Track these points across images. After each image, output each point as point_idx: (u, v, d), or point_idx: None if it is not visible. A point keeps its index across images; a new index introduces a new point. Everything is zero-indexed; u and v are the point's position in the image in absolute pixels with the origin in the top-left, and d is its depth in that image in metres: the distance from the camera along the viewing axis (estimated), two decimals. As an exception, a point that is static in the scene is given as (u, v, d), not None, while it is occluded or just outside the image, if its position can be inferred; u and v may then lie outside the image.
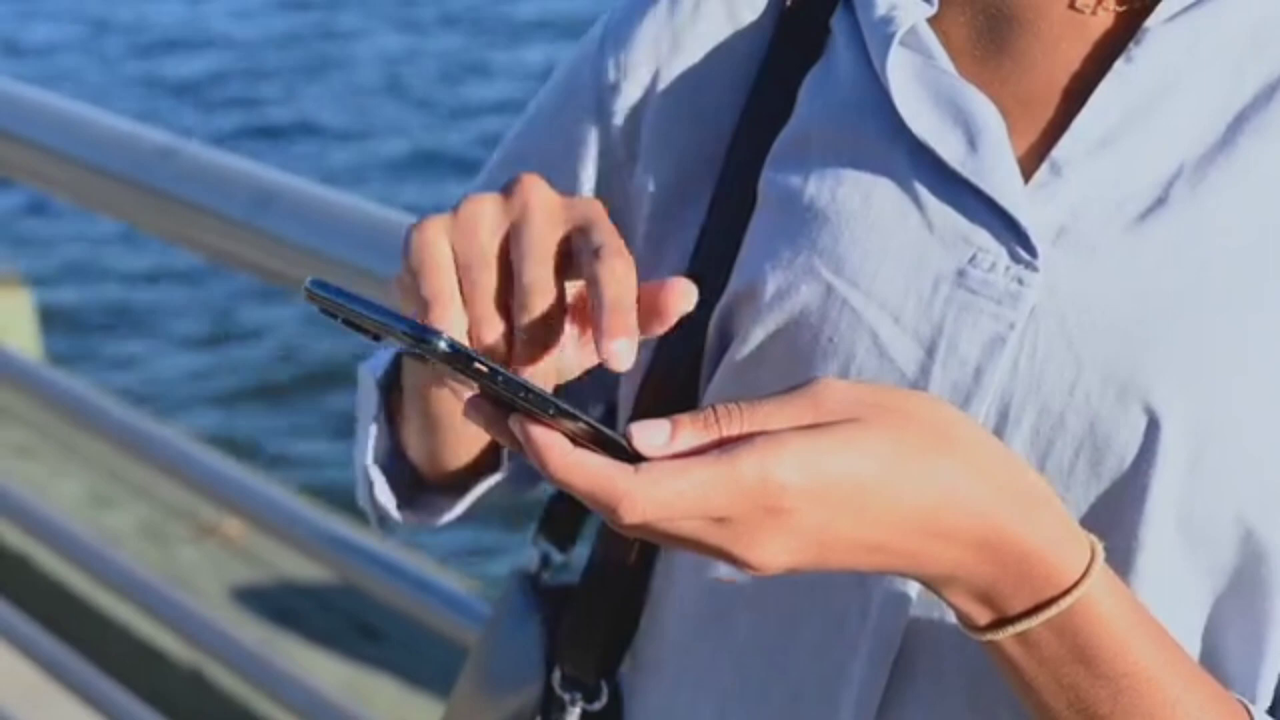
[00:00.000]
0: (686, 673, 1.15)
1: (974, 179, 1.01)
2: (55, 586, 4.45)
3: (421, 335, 0.84)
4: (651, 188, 1.16)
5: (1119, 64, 1.00)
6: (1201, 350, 0.97)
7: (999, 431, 1.00)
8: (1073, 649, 0.93)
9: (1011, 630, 0.93)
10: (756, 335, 1.06)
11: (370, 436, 1.23)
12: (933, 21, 1.06)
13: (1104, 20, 1.03)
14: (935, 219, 1.02)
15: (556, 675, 1.23)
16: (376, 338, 0.89)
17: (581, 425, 0.86)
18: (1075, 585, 0.92)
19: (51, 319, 7.89)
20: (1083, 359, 0.98)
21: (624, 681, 1.22)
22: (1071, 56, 1.03)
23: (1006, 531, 0.90)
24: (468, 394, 0.89)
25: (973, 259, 1.00)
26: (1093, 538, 0.94)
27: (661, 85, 1.15)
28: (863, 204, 1.04)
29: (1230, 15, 1.01)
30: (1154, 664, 0.95)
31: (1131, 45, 1.00)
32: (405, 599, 2.24)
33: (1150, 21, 1.01)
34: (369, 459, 1.23)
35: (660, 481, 0.84)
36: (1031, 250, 0.99)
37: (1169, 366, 0.96)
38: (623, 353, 0.88)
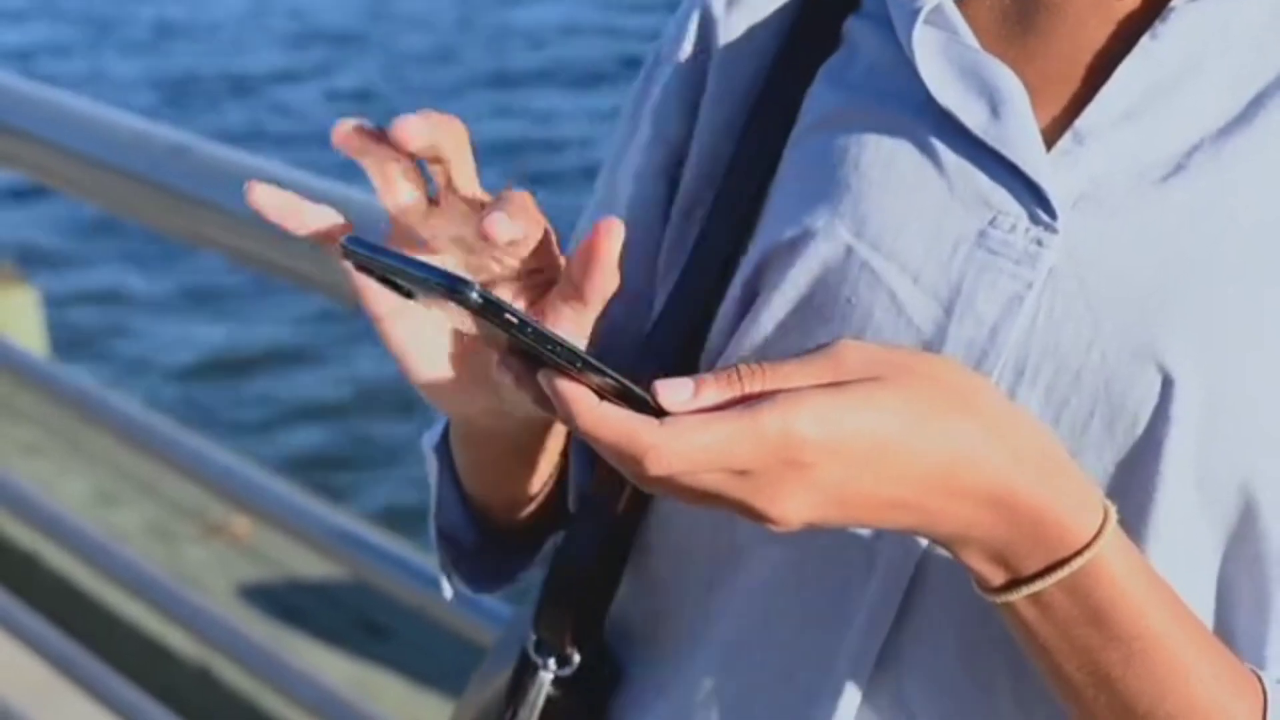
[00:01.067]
0: (683, 634, 1.16)
1: (996, 144, 1.02)
2: (63, 583, 4.45)
3: (454, 286, 0.86)
4: (693, 158, 1.18)
5: (1144, 40, 1.01)
6: (1215, 319, 0.97)
7: (1014, 389, 1.00)
8: (1085, 610, 0.95)
9: (1025, 591, 0.94)
10: (776, 297, 1.07)
11: (433, 498, 1.25)
12: (959, 3, 1.08)
13: (1129, 2, 1.04)
14: (957, 182, 1.03)
15: (531, 639, 1.23)
16: (410, 295, 0.91)
17: (608, 379, 0.88)
18: (1087, 546, 0.93)
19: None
20: (1100, 319, 0.99)
21: (615, 648, 1.22)
22: (1097, 35, 1.04)
23: (1021, 493, 0.92)
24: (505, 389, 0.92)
25: (993, 221, 1.02)
26: (1107, 501, 0.95)
27: (713, 60, 1.17)
28: (884, 169, 1.05)
29: None
30: (1166, 628, 0.96)
31: (1157, 23, 1.02)
32: (417, 596, 2.24)
33: (1176, 1, 1.02)
34: (433, 524, 1.25)
35: (684, 435, 0.87)
36: (1051, 212, 1.00)
37: (1184, 330, 0.97)
38: (500, 222, 0.92)
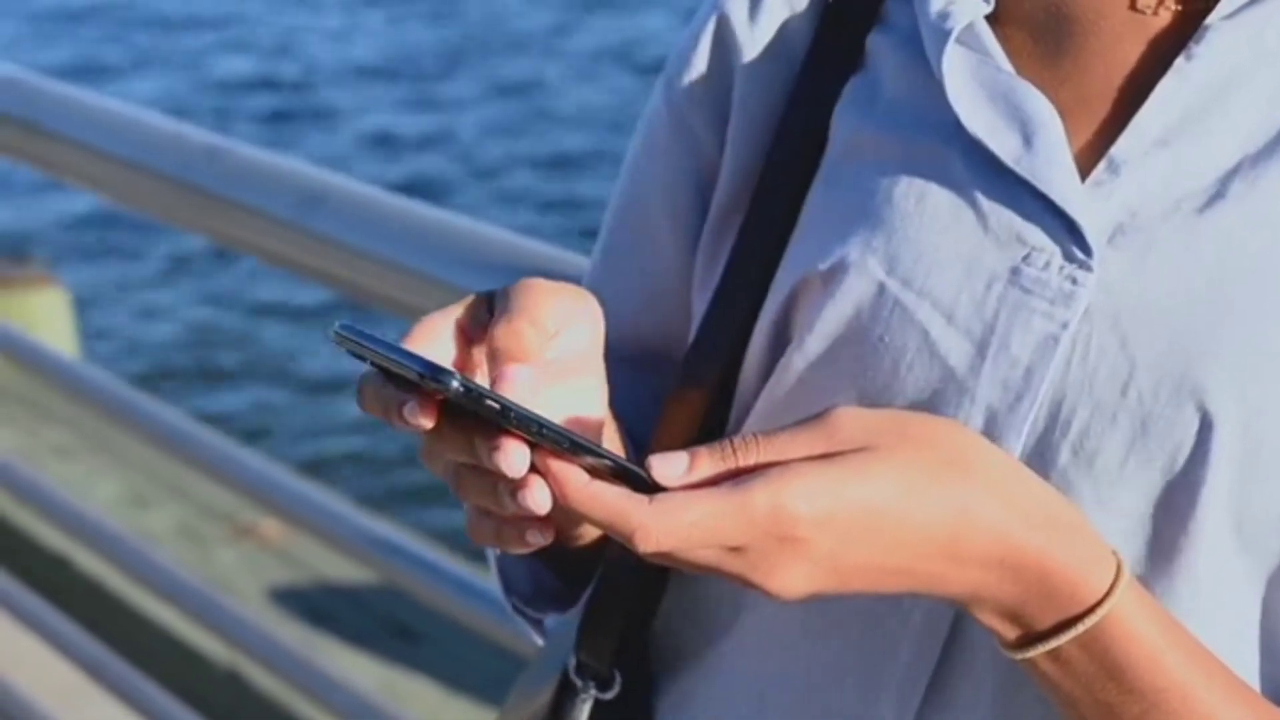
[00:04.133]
0: (723, 661, 1.15)
1: (1029, 177, 1.00)
2: (93, 586, 4.46)
3: (435, 375, 0.87)
4: (724, 177, 1.17)
5: (1179, 61, 1.00)
6: (1257, 347, 0.96)
7: (1048, 432, 0.99)
8: (1104, 666, 0.94)
9: (1041, 648, 0.94)
10: (809, 337, 1.06)
11: (495, 572, 1.25)
12: (992, 22, 1.05)
13: (1164, 19, 1.02)
14: (990, 217, 1.01)
15: (572, 662, 1.22)
16: (400, 381, 0.92)
17: (599, 457, 0.89)
18: (1100, 603, 0.93)
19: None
20: (1136, 358, 0.97)
21: (655, 673, 1.21)
22: (1131, 56, 1.02)
23: (1028, 551, 0.92)
24: None
25: (1027, 258, 1.00)
26: (1119, 555, 0.94)
27: (736, 89, 1.15)
28: (917, 203, 1.03)
29: None
30: (1189, 679, 0.95)
31: (1192, 44, 1.00)
32: (447, 600, 2.23)
33: (1211, 19, 1.00)
34: (494, 569, 1.25)
35: (673, 513, 0.88)
36: (1087, 249, 0.98)
37: (1223, 367, 0.95)
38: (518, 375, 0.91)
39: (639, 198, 1.21)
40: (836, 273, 1.04)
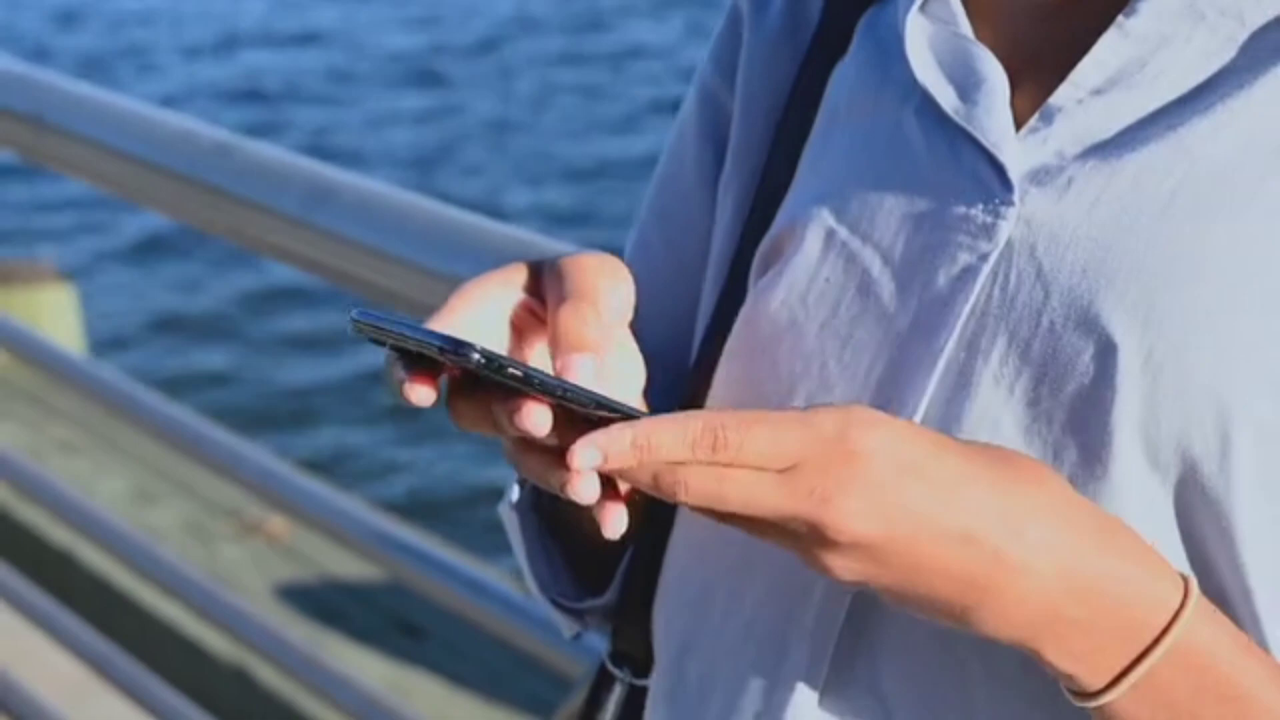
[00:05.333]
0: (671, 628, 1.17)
1: (966, 124, 1.04)
2: (100, 583, 4.47)
3: (456, 349, 0.88)
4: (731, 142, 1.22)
5: (1120, 18, 1.03)
6: (1157, 276, 0.97)
7: (968, 362, 1.01)
8: (1201, 679, 0.94)
9: (1135, 673, 0.93)
10: (764, 283, 1.11)
11: (525, 564, 1.26)
12: None
13: None
14: (929, 165, 1.06)
15: (607, 651, 1.24)
16: (420, 359, 0.93)
17: (627, 416, 0.90)
18: (1180, 609, 0.93)
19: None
20: (1050, 287, 1.00)
21: None
22: (1079, 20, 1.06)
23: (1093, 572, 0.92)
24: None
25: (956, 197, 1.04)
26: (1188, 576, 0.95)
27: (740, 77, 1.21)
28: (867, 156, 1.09)
29: None
30: (1270, 675, 0.96)
31: (1134, 2, 1.03)
32: (453, 597, 2.23)
33: None
34: (533, 582, 1.27)
35: (744, 425, 0.89)
36: (1009, 186, 1.02)
37: (1126, 293, 0.97)
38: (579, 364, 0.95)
39: (673, 171, 1.26)
40: (795, 226, 1.10)
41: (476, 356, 0.88)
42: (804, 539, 0.91)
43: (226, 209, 2.17)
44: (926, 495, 0.90)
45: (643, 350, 1.09)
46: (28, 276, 7.06)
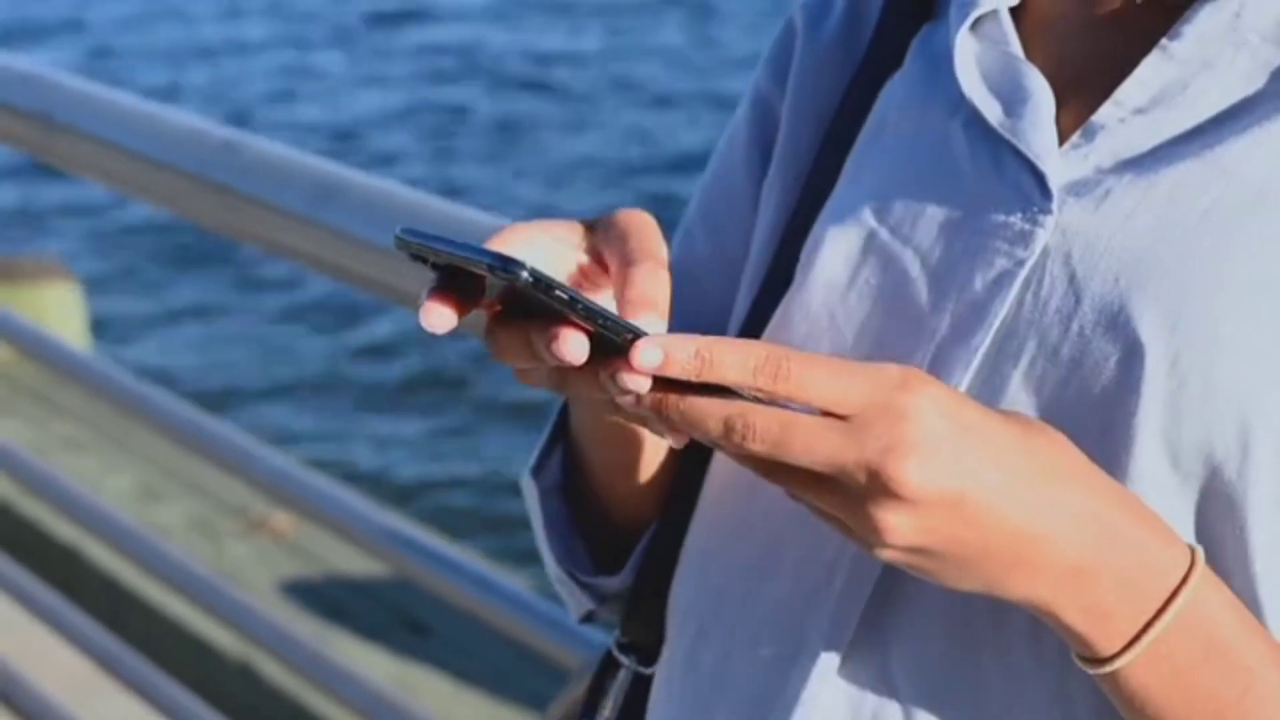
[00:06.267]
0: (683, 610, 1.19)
1: (1011, 137, 1.07)
2: (106, 579, 4.47)
3: (506, 266, 0.87)
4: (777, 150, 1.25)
5: (1164, 40, 1.06)
6: (1187, 286, 0.99)
7: (1000, 362, 1.04)
8: (1207, 645, 0.96)
9: (1146, 639, 0.95)
10: (804, 281, 1.13)
11: (542, 538, 1.28)
12: (1017, 15, 1.12)
13: (1153, 11, 1.08)
14: (973, 174, 1.08)
15: (615, 639, 1.27)
16: (458, 283, 0.93)
17: None
18: (1187, 576, 0.95)
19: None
20: (1081, 294, 1.02)
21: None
22: (1123, 41, 1.08)
23: (1115, 535, 0.95)
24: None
25: (996, 206, 1.06)
26: (1195, 546, 0.98)
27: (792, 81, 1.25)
28: (912, 163, 1.12)
29: None
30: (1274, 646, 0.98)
31: (1179, 23, 1.06)
32: (459, 594, 2.23)
33: (1195, 4, 1.06)
34: (551, 562, 1.29)
35: (807, 362, 0.90)
36: (1048, 195, 1.04)
37: (1155, 301, 1.00)
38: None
39: (722, 170, 1.29)
40: (838, 227, 1.12)
41: (525, 274, 0.87)
42: (858, 494, 0.92)
43: (234, 206, 2.18)
44: (983, 456, 0.92)
45: None
46: (33, 273, 7.06)
